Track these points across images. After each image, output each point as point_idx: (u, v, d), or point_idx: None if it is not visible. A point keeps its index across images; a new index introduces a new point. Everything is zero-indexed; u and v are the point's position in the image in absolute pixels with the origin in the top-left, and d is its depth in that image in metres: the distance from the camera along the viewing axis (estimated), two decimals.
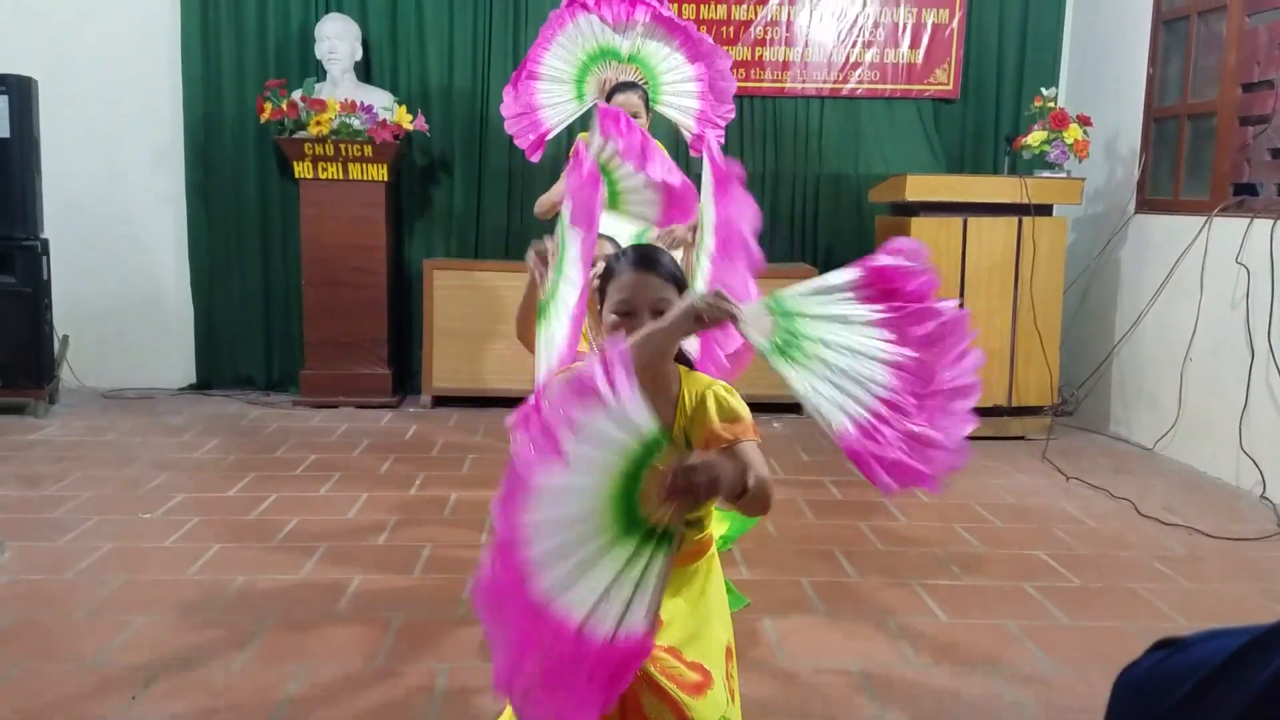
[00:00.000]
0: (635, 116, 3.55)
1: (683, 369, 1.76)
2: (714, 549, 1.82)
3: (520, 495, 1.28)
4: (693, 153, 3.58)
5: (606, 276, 1.73)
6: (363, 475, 4.04)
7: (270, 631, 2.61)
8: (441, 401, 5.30)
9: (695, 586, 1.73)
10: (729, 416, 1.65)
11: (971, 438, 1.65)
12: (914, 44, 5.64)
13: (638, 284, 1.66)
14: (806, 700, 2.32)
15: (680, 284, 1.71)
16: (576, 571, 1.31)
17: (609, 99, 3.59)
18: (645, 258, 1.68)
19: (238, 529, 3.38)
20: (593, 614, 1.29)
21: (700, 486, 1.37)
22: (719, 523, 1.97)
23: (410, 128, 5.12)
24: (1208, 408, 4.32)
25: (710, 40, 3.78)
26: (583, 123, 4.33)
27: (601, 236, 2.64)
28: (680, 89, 3.76)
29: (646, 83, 3.78)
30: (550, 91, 3.70)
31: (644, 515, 1.37)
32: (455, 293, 5.23)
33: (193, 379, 5.60)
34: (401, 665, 2.45)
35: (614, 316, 1.67)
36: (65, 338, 5.34)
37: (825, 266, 5.10)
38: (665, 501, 1.36)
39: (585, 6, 3.80)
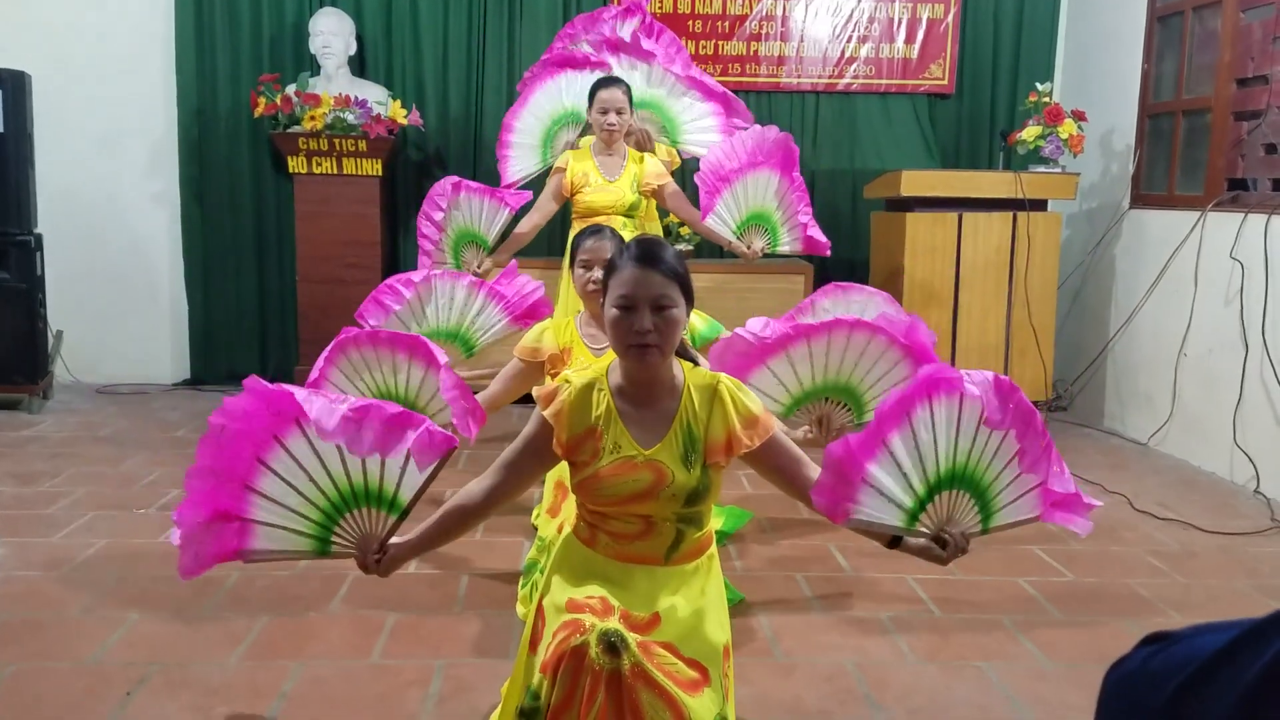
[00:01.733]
0: (619, 113, 3.55)
1: (686, 364, 1.77)
2: (714, 547, 1.82)
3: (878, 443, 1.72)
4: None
5: (609, 271, 1.72)
6: None
7: (265, 628, 2.61)
8: None
9: (695, 585, 1.73)
10: (747, 420, 1.71)
11: None
12: (909, 39, 5.64)
13: (638, 280, 1.65)
14: (801, 696, 2.32)
15: (684, 281, 1.70)
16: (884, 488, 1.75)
17: (592, 96, 3.57)
18: (647, 253, 1.67)
19: None
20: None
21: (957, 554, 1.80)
22: (714, 519, 1.97)
23: (405, 122, 5.10)
24: (1202, 403, 4.33)
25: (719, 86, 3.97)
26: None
27: (603, 235, 2.62)
28: (699, 125, 3.90)
29: (654, 120, 3.91)
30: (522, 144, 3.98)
31: (921, 518, 1.77)
32: None
33: (187, 375, 5.59)
34: (397, 661, 2.44)
35: (615, 311, 1.66)
36: (59, 333, 5.33)
37: (819, 264, 5.09)
38: (942, 549, 1.78)
39: (582, 62, 3.90)
